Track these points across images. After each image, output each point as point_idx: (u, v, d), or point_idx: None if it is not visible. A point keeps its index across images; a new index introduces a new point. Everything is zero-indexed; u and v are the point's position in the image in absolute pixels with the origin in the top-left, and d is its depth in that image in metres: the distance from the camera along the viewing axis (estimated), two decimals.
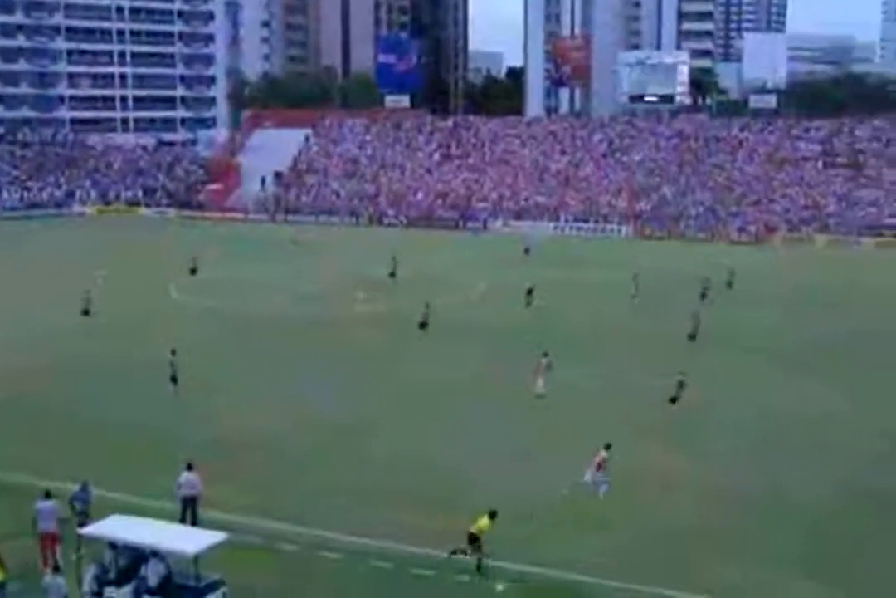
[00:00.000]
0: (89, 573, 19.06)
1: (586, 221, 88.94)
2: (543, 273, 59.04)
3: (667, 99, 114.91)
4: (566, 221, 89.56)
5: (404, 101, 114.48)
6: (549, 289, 53.28)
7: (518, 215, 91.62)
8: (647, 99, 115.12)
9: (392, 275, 57.23)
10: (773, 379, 36.15)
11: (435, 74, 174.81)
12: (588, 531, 22.85)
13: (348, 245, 75.56)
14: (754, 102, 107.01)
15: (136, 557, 19.05)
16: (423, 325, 43.25)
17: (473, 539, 21.01)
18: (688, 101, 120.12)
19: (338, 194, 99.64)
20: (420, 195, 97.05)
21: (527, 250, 70.12)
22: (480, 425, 30.64)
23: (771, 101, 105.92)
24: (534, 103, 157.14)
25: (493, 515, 21.29)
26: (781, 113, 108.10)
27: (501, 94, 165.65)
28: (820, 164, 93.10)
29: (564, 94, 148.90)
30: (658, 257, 70.19)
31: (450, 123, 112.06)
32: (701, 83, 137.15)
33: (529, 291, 49.33)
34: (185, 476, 23.03)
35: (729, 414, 31.56)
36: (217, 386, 34.40)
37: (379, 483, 25.77)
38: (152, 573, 18.70)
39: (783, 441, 29.22)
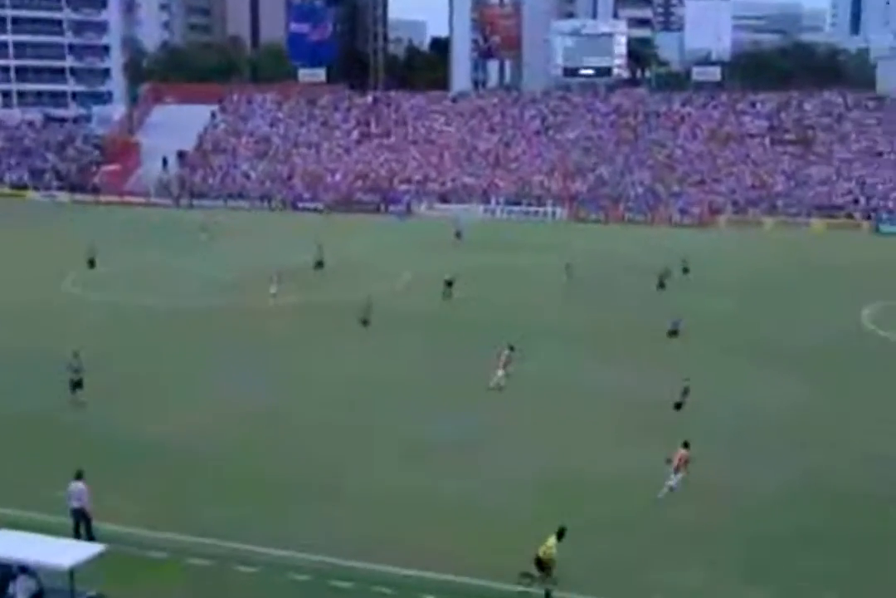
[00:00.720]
0: None
1: (518, 203, 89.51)
2: (476, 259, 59.53)
3: (603, 72, 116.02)
4: (497, 203, 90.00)
5: (319, 74, 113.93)
6: (483, 276, 53.75)
7: (444, 198, 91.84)
8: (582, 72, 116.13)
9: (319, 264, 57.35)
10: (744, 373, 36.65)
11: (352, 45, 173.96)
12: (530, 533, 23.05)
13: (263, 232, 75.04)
14: (697, 74, 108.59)
15: (4, 573, 18.65)
16: (365, 322, 42.96)
17: (542, 565, 20.10)
18: (626, 74, 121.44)
19: (248, 176, 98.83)
20: (338, 177, 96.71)
21: (458, 234, 70.65)
22: (421, 420, 30.83)
23: (714, 73, 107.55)
24: (460, 77, 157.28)
25: (560, 534, 20.30)
26: (726, 86, 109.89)
27: (425, 67, 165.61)
28: (767, 140, 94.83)
29: (493, 66, 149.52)
30: (595, 242, 70.98)
31: (369, 98, 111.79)
32: (640, 54, 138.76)
33: (449, 283, 49.49)
34: (74, 486, 22.70)
35: (703, 410, 31.68)
36: (120, 386, 33.97)
37: (301, 485, 25.75)
38: (21, 591, 18.34)
39: (757, 439, 29.69)
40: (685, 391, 31.43)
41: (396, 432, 29.88)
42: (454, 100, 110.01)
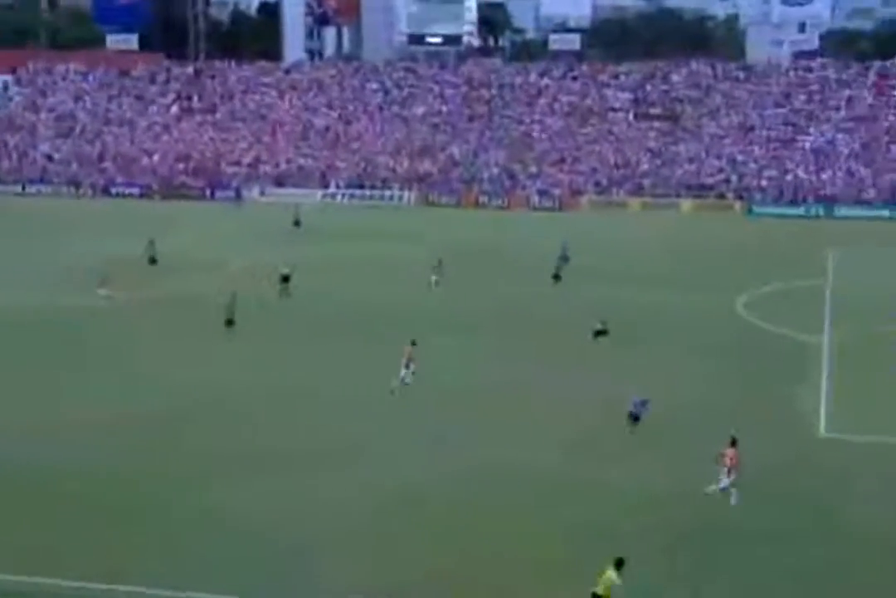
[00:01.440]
0: None
1: (361, 186, 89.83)
2: (318, 250, 59.83)
3: (453, 40, 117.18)
4: (337, 187, 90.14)
5: (131, 41, 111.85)
6: (329, 269, 54.08)
7: (279, 182, 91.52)
8: (429, 40, 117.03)
9: (153, 261, 56.89)
10: (671, 370, 37.66)
11: (168, 8, 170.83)
12: (408, 551, 23.27)
13: (76, 221, 73.66)
14: (554, 42, 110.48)
15: None
16: (229, 322, 42.22)
17: None
18: (477, 42, 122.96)
19: (50, 158, 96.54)
20: (156, 159, 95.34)
21: (297, 223, 70.93)
22: (289, 429, 30.86)
23: (573, 41, 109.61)
24: (293, 46, 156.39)
25: (619, 564, 19.87)
26: (586, 56, 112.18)
27: (253, 35, 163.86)
28: (631, 115, 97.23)
29: (330, 34, 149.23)
30: (451, 228, 71.53)
31: (190, 69, 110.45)
32: (492, 21, 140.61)
33: (286, 278, 49.44)
34: None
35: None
36: None
37: (127, 506, 25.38)
38: None
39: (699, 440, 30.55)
40: (644, 403, 31.18)
41: (259, 442, 29.78)
42: (287, 71, 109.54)
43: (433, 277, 52.04)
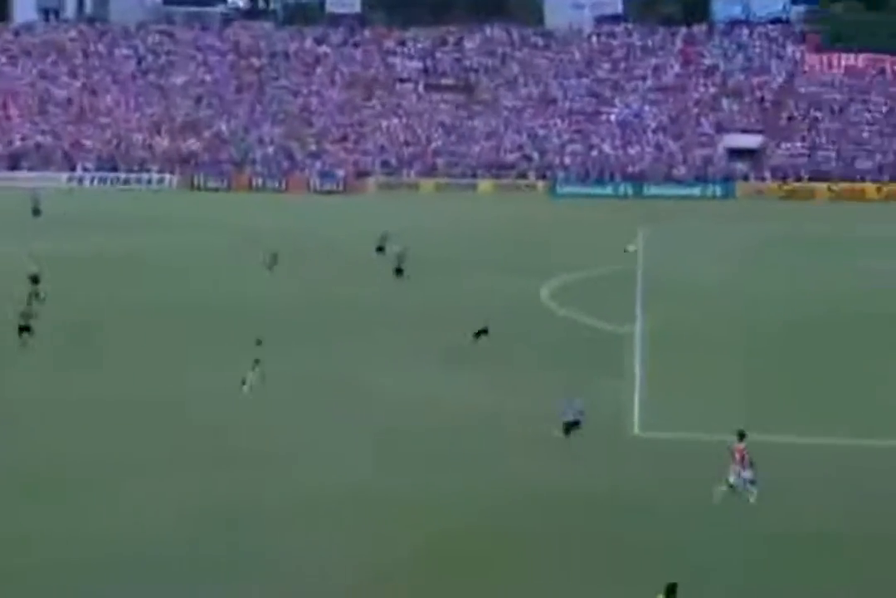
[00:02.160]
0: None
1: (114, 169, 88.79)
2: (66, 244, 58.82)
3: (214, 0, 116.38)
4: (85, 169, 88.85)
5: None
6: (88, 267, 53.40)
7: (13, 163, 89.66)
8: None
9: None
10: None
11: None
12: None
13: None
14: (332, 5, 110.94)
15: None
16: (23, 329, 40.68)
17: None
18: (243, 3, 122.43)
19: None
20: None
21: (36, 212, 69.78)
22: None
23: (353, 4, 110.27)
24: (23, 4, 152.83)
25: (671, 590, 19.59)
26: (368, 20, 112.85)
27: None
28: (421, 86, 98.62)
29: None
30: (222, 215, 71.15)
31: None
32: None
33: (35, 279, 48.55)
34: None
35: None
36: None
37: None
38: None
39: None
40: (581, 411, 31.21)
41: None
42: (17, 33, 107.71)
43: (267, 268, 51.91)
